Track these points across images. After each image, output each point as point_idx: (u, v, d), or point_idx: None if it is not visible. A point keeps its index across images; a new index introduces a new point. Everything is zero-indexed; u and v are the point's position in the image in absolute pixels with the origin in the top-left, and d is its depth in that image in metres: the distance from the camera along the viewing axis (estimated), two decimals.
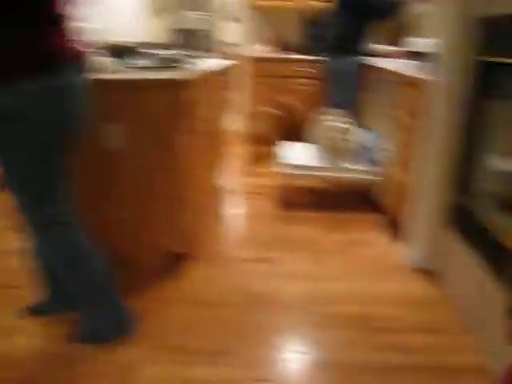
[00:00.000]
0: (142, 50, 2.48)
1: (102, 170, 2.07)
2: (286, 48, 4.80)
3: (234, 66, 3.93)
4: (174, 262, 2.25)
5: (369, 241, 2.67)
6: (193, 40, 4.04)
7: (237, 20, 5.24)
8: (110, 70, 2.11)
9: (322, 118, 3.11)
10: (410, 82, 2.48)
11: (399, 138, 2.69)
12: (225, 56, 4.21)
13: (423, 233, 2.32)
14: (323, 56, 3.77)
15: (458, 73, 2.06)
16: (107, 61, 2.18)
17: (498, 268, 1.68)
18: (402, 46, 3.69)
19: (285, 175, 3.04)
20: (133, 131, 2.01)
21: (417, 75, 2.39)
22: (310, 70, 4.41)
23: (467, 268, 1.96)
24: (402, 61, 3.26)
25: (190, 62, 2.46)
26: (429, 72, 2.20)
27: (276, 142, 3.58)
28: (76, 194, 1.60)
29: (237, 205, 3.18)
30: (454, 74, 2.06)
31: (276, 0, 4.65)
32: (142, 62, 2.33)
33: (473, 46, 1.98)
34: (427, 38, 2.70)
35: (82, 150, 1.64)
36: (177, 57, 2.40)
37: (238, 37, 5.23)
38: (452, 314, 1.98)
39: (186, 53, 2.55)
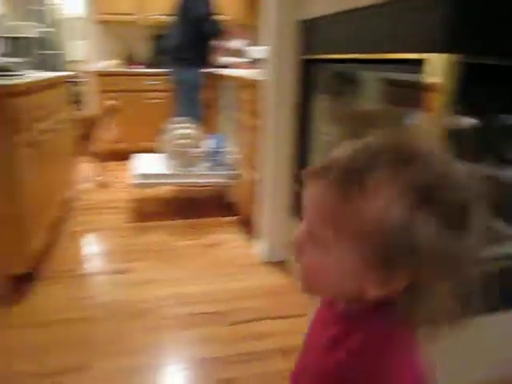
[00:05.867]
0: None
1: None
2: (134, 62, 4.80)
3: (79, 81, 3.86)
4: (19, 284, 2.13)
5: (223, 242, 2.72)
6: (24, 50, 3.93)
7: (82, 36, 5.19)
8: None
9: (170, 127, 3.14)
10: (248, 84, 2.59)
11: (243, 139, 2.80)
12: (70, 71, 4.11)
13: (270, 226, 2.42)
14: (168, 68, 3.85)
15: (285, 71, 2.19)
16: None
17: None
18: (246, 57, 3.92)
19: (138, 186, 3.04)
20: None
21: (253, 77, 2.51)
22: (159, 82, 4.43)
23: None
24: (247, 70, 3.42)
25: (20, 71, 2.36)
26: (262, 74, 2.32)
27: (130, 155, 3.56)
28: None
29: (89, 220, 3.08)
30: (282, 73, 2.20)
31: (120, 14, 4.61)
32: None
33: (296, 46, 2.13)
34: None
35: None
36: (4, 64, 2.30)
37: (83, 53, 5.14)
38: (302, 299, 2.02)
39: (14, 61, 2.44)
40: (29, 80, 2.18)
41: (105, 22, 4.73)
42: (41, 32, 4.15)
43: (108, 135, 3.77)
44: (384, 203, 0.50)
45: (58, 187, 2.81)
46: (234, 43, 3.74)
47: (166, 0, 4.27)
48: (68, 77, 3.29)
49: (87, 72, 4.71)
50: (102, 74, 4.47)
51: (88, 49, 4.93)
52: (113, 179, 3.92)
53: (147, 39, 4.90)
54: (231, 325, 1.91)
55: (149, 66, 4.67)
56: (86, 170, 3.93)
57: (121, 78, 4.47)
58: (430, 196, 0.49)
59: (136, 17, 4.61)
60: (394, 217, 0.49)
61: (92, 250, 2.70)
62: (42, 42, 4.19)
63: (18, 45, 3.72)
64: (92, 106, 4.57)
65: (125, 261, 2.46)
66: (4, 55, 2.91)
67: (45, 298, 2.10)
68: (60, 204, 2.85)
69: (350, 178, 0.52)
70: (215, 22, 3.55)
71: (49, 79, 2.58)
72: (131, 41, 4.92)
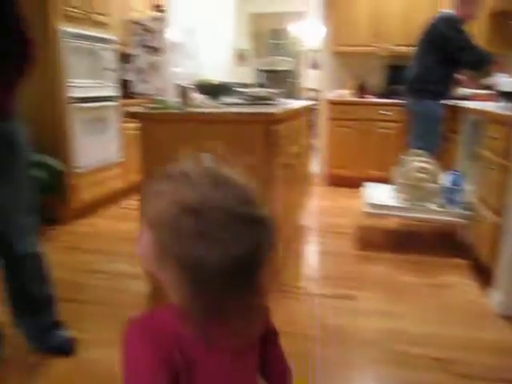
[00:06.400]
0: (233, 88, 2.72)
1: None
2: (366, 92, 4.83)
3: (314, 108, 4.07)
4: None
5: (452, 285, 2.54)
6: (277, 81, 4.29)
7: (317, 66, 5.45)
8: (206, 105, 2.31)
9: (406, 159, 3.09)
10: (498, 120, 2.40)
11: (485, 178, 2.59)
12: (308, 99, 4.39)
13: (510, 276, 2.20)
14: (404, 99, 3.79)
15: None
16: (202, 98, 2.42)
17: None
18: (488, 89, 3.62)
19: (366, 215, 3.05)
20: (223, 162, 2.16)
21: (505, 113, 2.33)
22: (390, 113, 4.42)
23: None
24: (490, 103, 3.15)
25: (277, 100, 2.59)
26: None
27: (359, 182, 3.61)
28: None
29: (316, 243, 3.23)
30: None
31: (357, 46, 4.73)
32: (233, 99, 2.55)
33: None
34: None
35: None
36: (265, 94, 2.58)
37: (318, 82, 5.40)
38: None
39: (272, 91, 2.71)
40: (286, 108, 2.39)
41: (340, 53, 4.95)
42: (288, 64, 4.57)
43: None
44: (160, 206, 0.64)
45: (294, 208, 3.01)
46: (497, 76, 3.46)
47: (404, 30, 4.31)
48: (311, 105, 3.53)
49: (321, 100, 4.99)
50: (335, 103, 4.68)
51: (322, 78, 5.22)
52: (342, 205, 4.04)
53: (381, 69, 4.96)
54: (455, 376, 1.76)
55: (380, 96, 4.72)
56: (316, 193, 4.16)
57: (352, 106, 4.61)
58: (190, 208, 0.61)
59: (372, 48, 4.71)
60: (162, 217, 0.63)
61: (318, 271, 2.82)
62: (287, 73, 4.60)
63: (271, 76, 4.15)
64: (324, 132, 4.82)
65: (348, 287, 2.50)
66: (262, 86, 3.28)
67: (273, 309, 2.26)
68: (293, 223, 3.05)
69: (152, 184, 0.68)
70: (479, 52, 3.36)
71: (298, 107, 2.80)
72: (364, 71, 5.04)
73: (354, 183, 4.11)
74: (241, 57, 6.49)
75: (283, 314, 2.21)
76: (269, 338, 0.88)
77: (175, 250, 0.63)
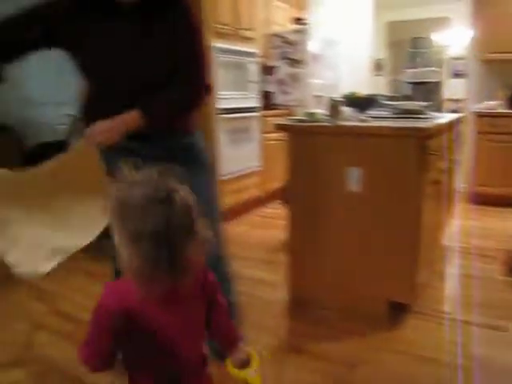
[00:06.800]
0: (379, 101, 2.67)
1: (343, 212, 2.24)
2: None
3: (461, 121, 3.85)
4: (394, 312, 2.28)
5: None
6: (423, 93, 4.10)
7: (461, 75, 5.09)
8: (353, 118, 2.31)
9: None
10: None
11: None
12: (451, 111, 4.13)
13: None
14: None
15: None
16: (349, 110, 2.42)
17: None
18: None
19: None
20: (372, 176, 2.13)
21: None
22: None
23: None
24: None
25: (427, 113, 2.51)
26: None
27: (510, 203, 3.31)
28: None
29: (460, 266, 3.02)
30: None
31: (508, 53, 4.33)
32: (382, 112, 2.51)
33: None
34: None
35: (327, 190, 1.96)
36: (414, 108, 2.50)
37: (462, 92, 5.05)
38: None
39: (421, 104, 2.62)
40: (437, 122, 2.30)
41: (489, 61, 4.61)
42: (436, 75, 4.38)
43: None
44: (110, 205, 0.91)
45: (439, 226, 2.89)
46: None
47: None
48: (459, 118, 3.35)
49: (465, 112, 4.70)
50: (482, 115, 4.37)
51: (468, 88, 4.91)
52: (487, 225, 3.78)
53: None
54: None
55: None
56: (459, 211, 3.94)
57: (502, 119, 4.27)
58: (120, 200, 0.89)
59: None
60: (111, 211, 0.91)
61: (462, 296, 2.64)
62: (434, 85, 4.42)
63: (417, 88, 4.02)
64: (469, 147, 4.53)
65: (498, 316, 2.31)
66: (407, 98, 3.19)
67: (415, 332, 2.18)
68: (437, 243, 2.91)
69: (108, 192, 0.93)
70: None
71: (449, 121, 2.68)
72: None
73: (501, 202, 3.82)
74: (377, 67, 6.37)
75: (425, 339, 2.13)
76: (209, 295, 1.12)
77: (119, 230, 0.89)
